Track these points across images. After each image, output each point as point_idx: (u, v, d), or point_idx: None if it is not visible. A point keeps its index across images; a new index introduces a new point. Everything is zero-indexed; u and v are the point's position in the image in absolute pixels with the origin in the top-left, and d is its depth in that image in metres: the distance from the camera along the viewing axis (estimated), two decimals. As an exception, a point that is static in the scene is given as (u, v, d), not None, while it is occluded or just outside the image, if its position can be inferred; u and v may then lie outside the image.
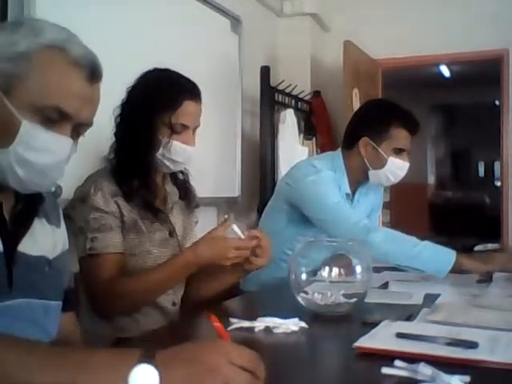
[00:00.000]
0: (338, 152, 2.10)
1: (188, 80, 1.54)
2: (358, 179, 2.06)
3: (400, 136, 1.97)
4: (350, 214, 1.93)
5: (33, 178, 0.91)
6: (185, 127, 1.50)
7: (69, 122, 0.92)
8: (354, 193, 2.10)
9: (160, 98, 1.48)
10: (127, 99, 1.54)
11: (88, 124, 0.96)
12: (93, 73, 0.94)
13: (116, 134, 1.54)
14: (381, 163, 1.98)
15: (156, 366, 0.68)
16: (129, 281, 1.43)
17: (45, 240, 1.02)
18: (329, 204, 1.92)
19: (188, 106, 1.49)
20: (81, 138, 0.99)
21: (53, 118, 0.90)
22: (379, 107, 2.12)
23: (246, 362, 0.72)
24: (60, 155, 0.92)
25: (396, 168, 2.00)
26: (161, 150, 1.49)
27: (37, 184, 0.93)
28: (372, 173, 2.01)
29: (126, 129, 1.52)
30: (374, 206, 2.25)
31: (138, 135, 1.48)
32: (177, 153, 1.50)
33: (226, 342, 0.77)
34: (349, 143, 2.06)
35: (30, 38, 0.89)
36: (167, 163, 1.52)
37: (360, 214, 2.03)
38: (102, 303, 1.42)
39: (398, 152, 1.98)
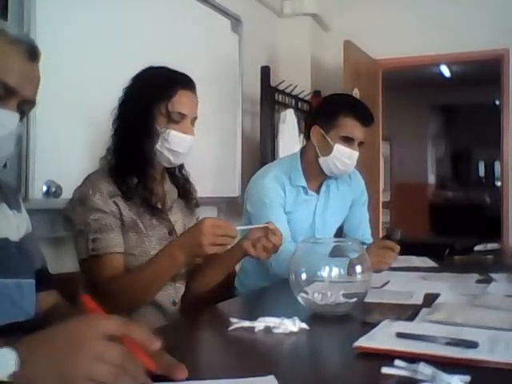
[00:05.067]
0: (299, 149, 2.20)
1: (182, 73, 1.57)
2: (317, 170, 2.09)
3: (348, 124, 2.00)
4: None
5: None
6: (182, 116, 1.52)
7: (14, 97, 0.98)
8: (320, 186, 2.14)
9: (155, 88, 1.51)
10: (124, 97, 1.56)
11: (32, 102, 1.03)
12: (32, 51, 1.01)
13: (114, 133, 1.55)
14: (328, 150, 2.02)
15: (17, 350, 0.67)
16: (124, 278, 1.43)
17: (7, 223, 1.06)
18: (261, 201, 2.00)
19: (183, 94, 1.52)
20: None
21: None
22: (332, 98, 2.18)
23: (117, 330, 0.69)
24: (10, 128, 0.98)
25: (342, 155, 2.01)
26: (160, 142, 1.51)
27: None
28: (321, 160, 2.05)
29: (124, 124, 1.53)
30: (354, 199, 2.26)
31: (137, 127, 1.50)
32: (176, 142, 1.51)
33: (95, 315, 0.75)
34: (306, 134, 2.14)
35: None
36: (167, 155, 1.52)
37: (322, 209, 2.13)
38: (105, 302, 1.40)
39: (346, 140, 2.00)
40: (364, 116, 2.02)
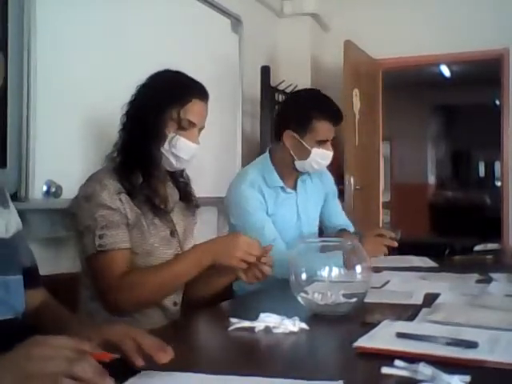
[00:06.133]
0: (267, 150, 2.19)
1: (199, 82, 1.58)
2: (291, 170, 2.11)
3: (323, 128, 2.01)
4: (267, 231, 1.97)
5: None
6: (191, 124, 1.53)
7: None
8: (295, 182, 2.16)
9: (170, 93, 1.52)
10: (137, 95, 1.56)
11: None
12: None
13: (123, 129, 1.56)
14: (305, 154, 2.04)
15: None
16: (141, 272, 1.44)
17: None
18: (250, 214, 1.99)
19: (196, 104, 1.53)
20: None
21: None
22: (301, 99, 2.13)
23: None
24: None
25: (319, 157, 2.04)
26: (166, 145, 1.52)
27: None
28: (298, 163, 2.07)
29: (134, 122, 1.54)
30: (327, 192, 2.31)
31: (146, 128, 1.51)
32: (181, 149, 1.53)
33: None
34: (276, 136, 2.14)
35: None
36: (171, 159, 1.54)
37: (304, 205, 2.16)
38: (114, 297, 1.41)
39: (322, 143, 2.02)
40: (336, 116, 2.04)
